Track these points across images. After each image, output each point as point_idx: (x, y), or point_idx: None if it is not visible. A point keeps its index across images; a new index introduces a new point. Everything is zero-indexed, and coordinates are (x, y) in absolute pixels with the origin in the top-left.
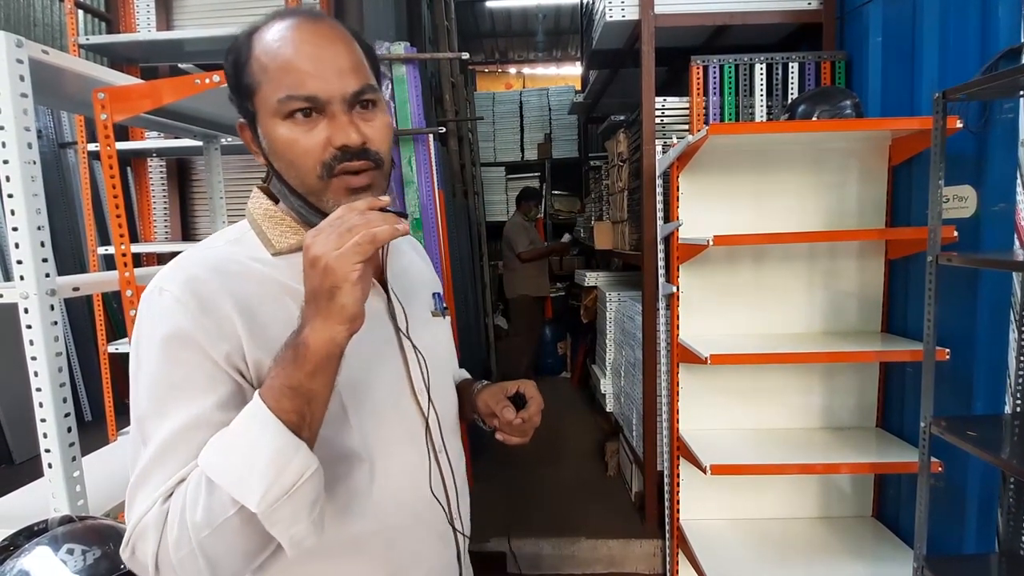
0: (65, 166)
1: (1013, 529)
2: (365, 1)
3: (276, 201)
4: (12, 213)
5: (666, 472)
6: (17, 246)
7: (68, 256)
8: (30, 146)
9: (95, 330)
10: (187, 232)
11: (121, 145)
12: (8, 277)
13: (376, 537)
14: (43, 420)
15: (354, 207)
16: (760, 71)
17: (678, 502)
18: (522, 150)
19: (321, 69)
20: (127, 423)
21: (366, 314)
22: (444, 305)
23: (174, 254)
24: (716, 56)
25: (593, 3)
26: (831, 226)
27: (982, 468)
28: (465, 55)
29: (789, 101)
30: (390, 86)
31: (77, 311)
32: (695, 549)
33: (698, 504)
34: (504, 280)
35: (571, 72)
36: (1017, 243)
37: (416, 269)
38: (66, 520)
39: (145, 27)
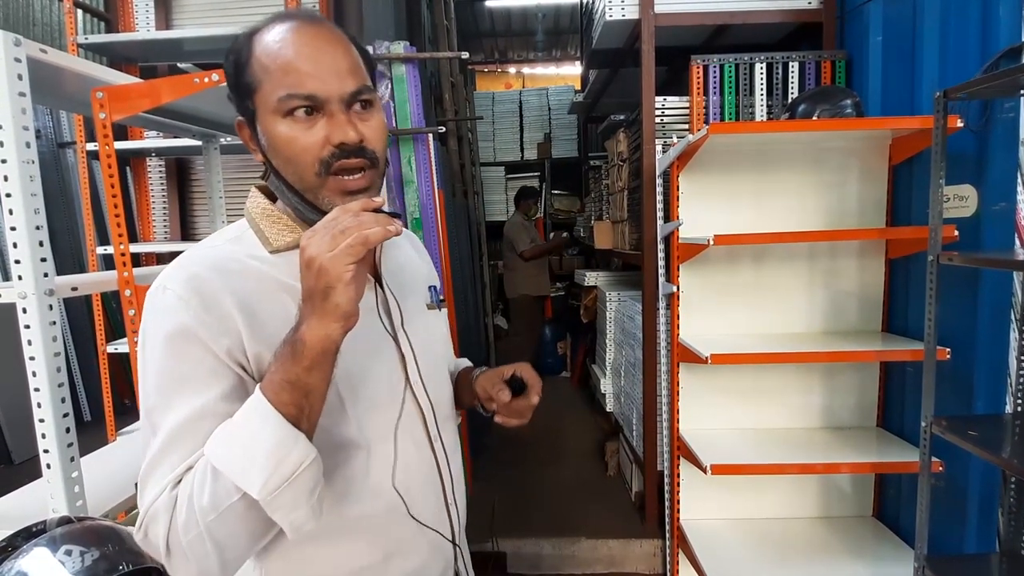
0: (64, 166)
1: (1014, 529)
2: (364, 0)
3: (273, 200)
4: (11, 213)
5: (666, 472)
6: (15, 246)
7: (67, 256)
8: (28, 145)
9: (94, 330)
10: (186, 232)
11: (120, 144)
12: (7, 277)
13: (372, 521)
14: (41, 420)
15: (348, 208)
16: (760, 70)
17: (678, 502)
18: (522, 150)
19: (320, 70)
20: (126, 423)
21: (361, 309)
22: (441, 298)
23: (173, 254)
24: (716, 55)
25: (593, 2)
26: (831, 225)
27: (983, 468)
28: (465, 54)
29: (789, 100)
30: (390, 85)
31: (76, 311)
32: (695, 549)
33: (698, 504)
34: (504, 280)
35: (571, 72)
36: (1018, 242)
37: (411, 263)
38: (64, 521)
39: (144, 26)
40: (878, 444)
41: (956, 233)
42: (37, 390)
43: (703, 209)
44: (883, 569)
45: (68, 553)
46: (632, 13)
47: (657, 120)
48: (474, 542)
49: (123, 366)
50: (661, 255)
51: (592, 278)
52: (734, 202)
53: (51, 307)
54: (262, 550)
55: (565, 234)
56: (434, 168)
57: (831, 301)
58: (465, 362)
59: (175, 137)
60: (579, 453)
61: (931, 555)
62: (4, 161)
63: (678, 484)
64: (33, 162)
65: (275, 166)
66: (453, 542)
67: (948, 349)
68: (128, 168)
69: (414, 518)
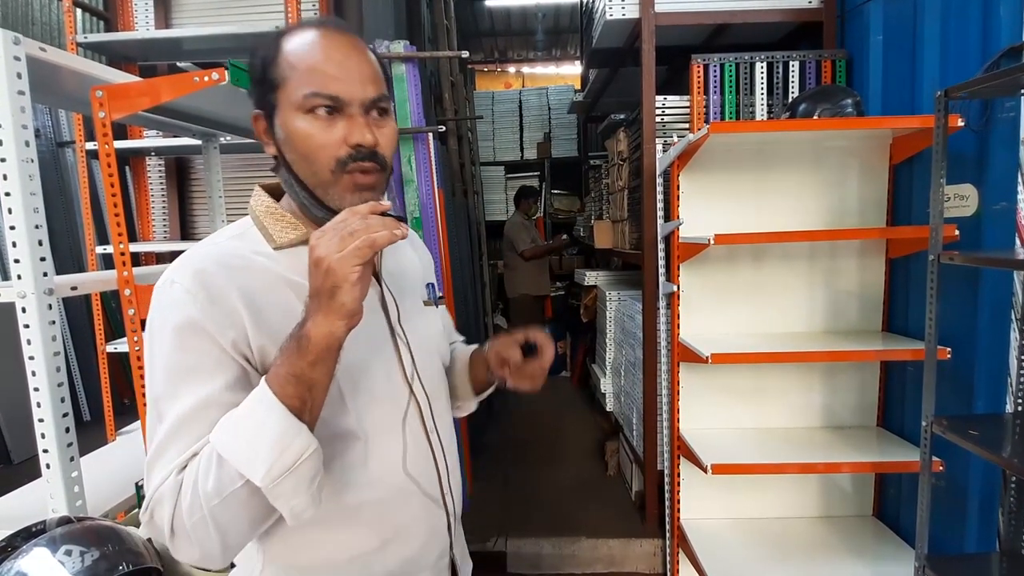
0: (63, 165)
1: (1014, 528)
2: (364, 0)
3: (277, 199)
4: (10, 212)
5: (666, 471)
6: (14, 245)
7: (66, 255)
8: (28, 144)
9: (94, 330)
10: (186, 231)
11: (119, 144)
12: (6, 276)
13: (369, 508)
14: (41, 420)
15: (357, 211)
16: (761, 70)
17: (678, 501)
18: (521, 149)
19: (346, 74)
20: (126, 423)
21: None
22: (439, 295)
23: (173, 253)
24: (716, 55)
25: (593, 2)
26: (832, 225)
27: (983, 467)
28: (464, 54)
29: (790, 100)
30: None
31: (76, 311)
32: (695, 549)
33: (698, 504)
34: (504, 279)
35: (571, 71)
36: (1018, 242)
37: (409, 261)
38: (64, 521)
39: (143, 25)
40: (878, 444)
41: (957, 232)
42: (36, 390)
43: (703, 208)
44: (883, 569)
45: (68, 553)
46: (632, 12)
47: (657, 119)
48: (474, 542)
49: (123, 366)
50: (661, 254)
51: (592, 277)
52: (734, 201)
53: (50, 307)
54: (264, 534)
55: (565, 236)
56: (434, 167)
57: (831, 301)
58: (474, 346)
59: (175, 136)
60: (579, 453)
61: (931, 555)
62: (3, 160)
63: (678, 484)
64: (32, 161)
65: (288, 160)
66: (448, 531)
67: (948, 349)
68: (128, 167)
69: (409, 506)
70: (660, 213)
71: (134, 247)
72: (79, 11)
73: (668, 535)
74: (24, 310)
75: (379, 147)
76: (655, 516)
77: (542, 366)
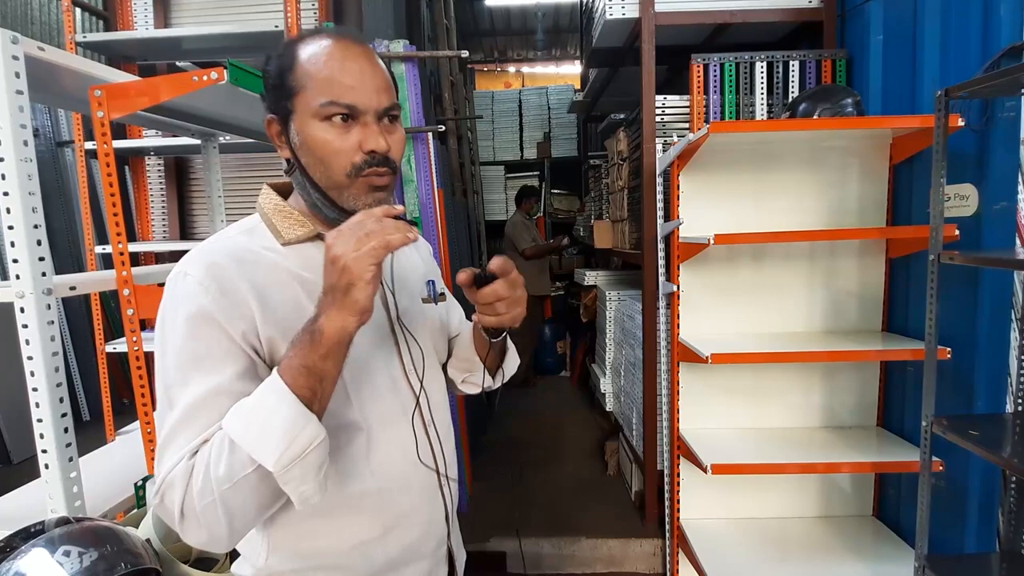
0: (63, 164)
1: (1014, 528)
2: (364, 0)
3: (284, 197)
4: (8, 212)
5: (666, 471)
6: (13, 245)
7: (65, 255)
8: (26, 144)
9: (93, 330)
10: (185, 231)
11: (119, 143)
12: (5, 276)
13: (371, 497)
14: (40, 420)
15: (372, 213)
16: (761, 69)
17: (678, 501)
18: (521, 149)
19: (361, 84)
20: (125, 423)
21: None
22: (440, 292)
23: (172, 253)
24: (716, 54)
25: (593, 1)
26: (832, 225)
27: (983, 467)
28: (464, 53)
29: (790, 99)
30: None
31: (75, 310)
32: (695, 549)
33: (698, 503)
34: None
35: (570, 71)
36: (1018, 242)
37: (410, 260)
38: (63, 521)
39: (143, 25)
40: (878, 444)
41: (957, 232)
42: (35, 390)
43: (703, 208)
44: (883, 569)
45: (67, 554)
46: (632, 12)
47: (657, 119)
48: (474, 542)
49: (122, 366)
50: (661, 254)
51: (592, 277)
52: (734, 201)
53: (49, 306)
54: (268, 521)
55: (566, 239)
56: (434, 167)
57: (831, 300)
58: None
59: (174, 136)
60: (579, 453)
61: (931, 555)
62: (2, 160)
63: (678, 484)
64: (31, 161)
65: (304, 163)
66: (446, 521)
67: (949, 349)
68: (127, 167)
69: (409, 496)
70: (660, 213)
71: (133, 247)
72: (78, 10)
73: (668, 535)
74: (23, 310)
75: (391, 153)
76: (655, 516)
77: (495, 291)
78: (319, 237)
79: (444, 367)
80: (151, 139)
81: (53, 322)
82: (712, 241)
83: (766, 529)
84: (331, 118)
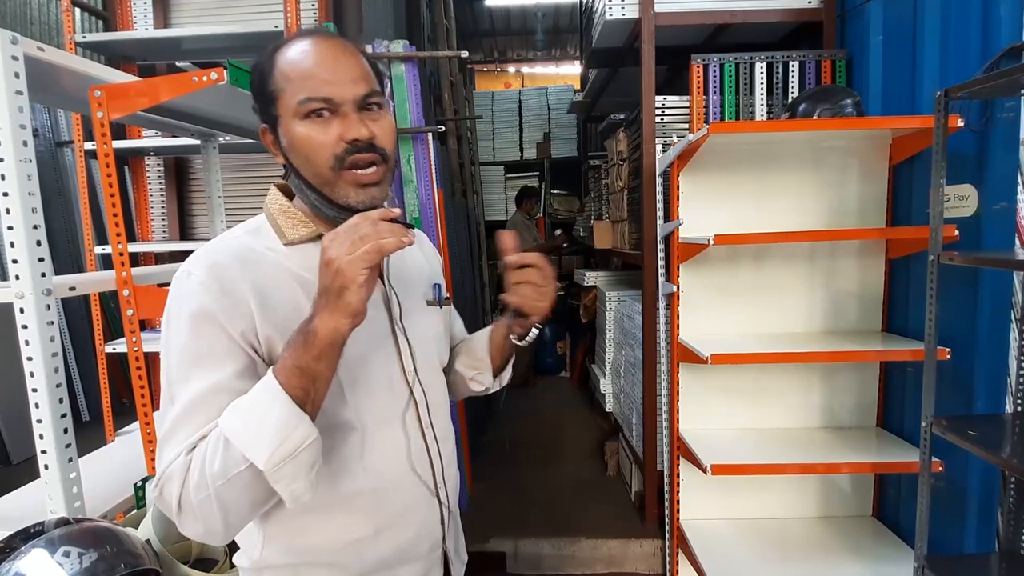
0: (62, 165)
1: (1013, 529)
2: (364, 0)
3: (291, 198)
4: (8, 212)
5: (666, 472)
6: (13, 245)
7: (65, 255)
8: (26, 144)
9: (93, 330)
10: (185, 231)
11: (118, 144)
12: (4, 276)
13: (364, 497)
14: (39, 421)
15: (368, 216)
16: (760, 70)
17: (678, 502)
18: (521, 149)
19: (336, 76)
20: (125, 423)
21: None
22: (445, 295)
23: (172, 253)
24: (716, 55)
25: (593, 2)
26: (832, 225)
27: (982, 468)
28: (464, 54)
29: (789, 100)
30: (389, 85)
31: (74, 311)
32: (695, 549)
33: (698, 504)
34: (504, 279)
35: (570, 71)
36: (1018, 242)
37: (415, 261)
38: (63, 522)
39: (142, 25)
40: (878, 444)
41: (956, 233)
42: (35, 390)
43: (703, 209)
44: (883, 569)
45: (66, 555)
46: (632, 12)
47: (657, 119)
48: (474, 542)
49: (122, 366)
50: (661, 255)
51: (592, 278)
52: (734, 202)
53: (49, 307)
54: (264, 516)
55: (559, 231)
56: (433, 167)
57: (831, 301)
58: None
59: (173, 136)
60: (579, 453)
61: (931, 555)
62: (1, 160)
63: (678, 484)
64: (31, 161)
65: (295, 166)
66: (442, 524)
67: (948, 349)
68: (126, 167)
69: (403, 497)
70: (660, 213)
71: (133, 247)
72: (78, 10)
73: (668, 535)
74: (22, 310)
75: (376, 139)
76: (655, 516)
77: (526, 272)
78: (321, 237)
79: (448, 367)
80: (151, 139)
81: (53, 322)
82: (712, 241)
83: (766, 529)
84: (311, 115)
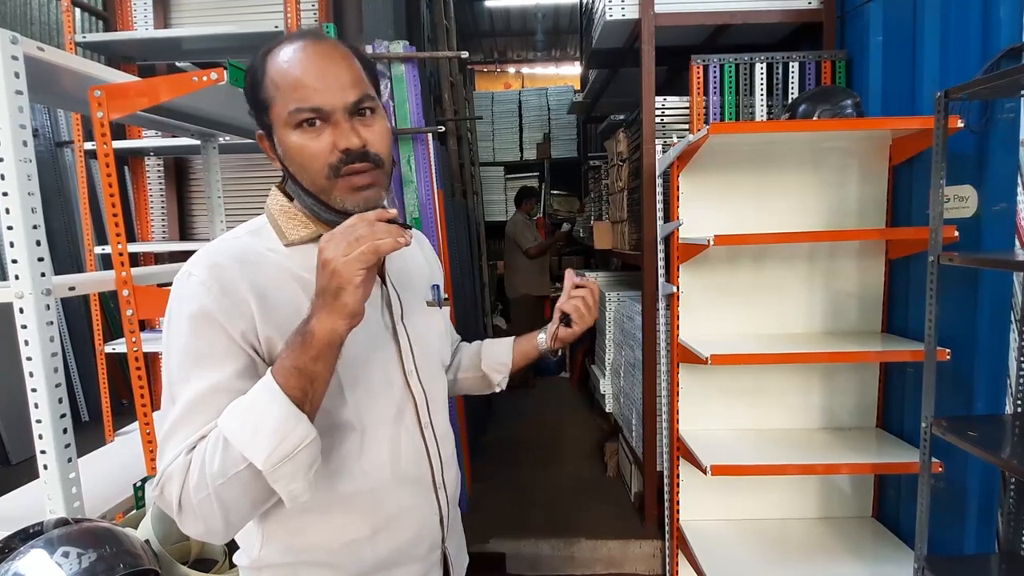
0: (62, 165)
1: (1013, 529)
2: (364, 0)
3: (291, 199)
4: (7, 212)
5: (666, 472)
6: (12, 245)
7: (65, 255)
8: (26, 144)
9: (92, 330)
10: (185, 231)
11: (118, 144)
12: (4, 276)
13: (362, 497)
14: (39, 421)
15: (365, 217)
16: (760, 70)
17: (678, 502)
18: (521, 150)
19: (325, 84)
20: (124, 424)
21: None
22: (444, 296)
23: (171, 254)
24: (716, 55)
25: (593, 2)
26: (832, 226)
27: (982, 468)
28: (464, 54)
29: (789, 100)
30: (389, 85)
31: (74, 311)
32: (695, 550)
33: (698, 504)
34: (505, 280)
35: (570, 72)
36: (1018, 243)
37: (415, 262)
38: (62, 522)
39: (143, 25)
40: (878, 445)
41: (956, 234)
42: (34, 390)
43: (703, 209)
44: (883, 569)
45: (65, 555)
46: (632, 13)
47: (657, 120)
48: (474, 542)
49: (121, 366)
50: (661, 255)
51: (591, 278)
52: (734, 202)
53: (48, 307)
54: (264, 515)
55: (566, 226)
56: (433, 168)
57: (831, 301)
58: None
59: (173, 136)
60: (578, 454)
61: (931, 556)
62: (1, 160)
63: (678, 485)
64: (30, 161)
65: (291, 172)
66: (441, 525)
67: (948, 350)
68: (126, 167)
69: (402, 498)
70: (660, 214)
71: (132, 247)
72: (78, 10)
73: (667, 536)
74: (22, 310)
75: (369, 146)
76: (654, 517)
77: (582, 292)
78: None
79: (460, 367)
80: (151, 139)
81: (52, 322)
82: (712, 242)
83: (766, 530)
84: (302, 124)
